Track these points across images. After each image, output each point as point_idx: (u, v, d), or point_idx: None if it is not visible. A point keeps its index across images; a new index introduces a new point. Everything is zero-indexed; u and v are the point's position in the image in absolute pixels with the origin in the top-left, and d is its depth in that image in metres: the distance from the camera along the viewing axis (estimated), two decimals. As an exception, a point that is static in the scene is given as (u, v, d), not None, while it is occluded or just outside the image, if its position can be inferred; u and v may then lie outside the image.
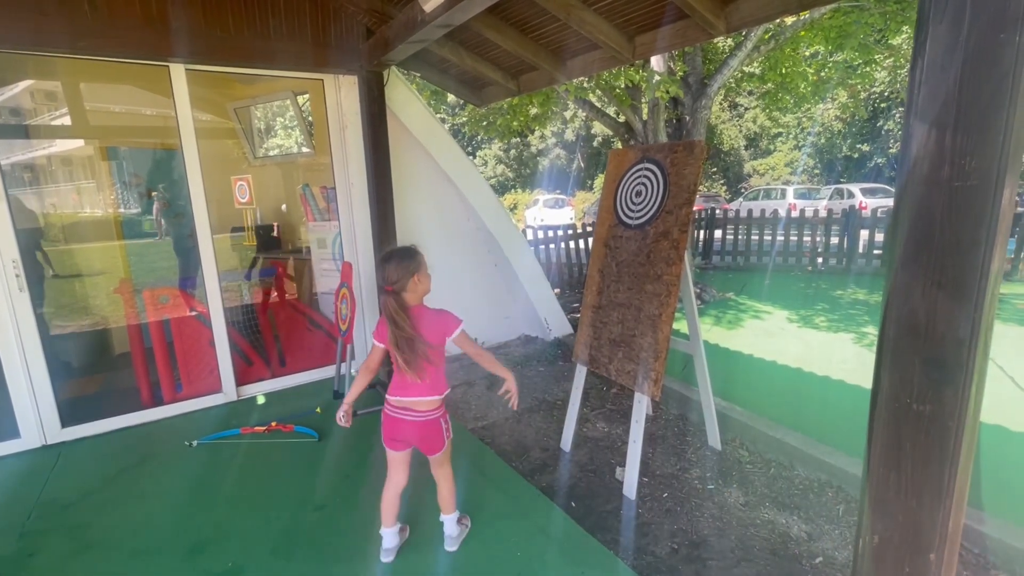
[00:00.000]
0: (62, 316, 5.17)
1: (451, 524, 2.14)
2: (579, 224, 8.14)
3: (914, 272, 1.05)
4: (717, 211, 10.05)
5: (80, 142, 6.84)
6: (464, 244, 4.47)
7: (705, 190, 21.36)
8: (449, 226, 4.38)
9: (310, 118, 5.88)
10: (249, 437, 3.08)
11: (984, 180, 0.94)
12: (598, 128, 24.00)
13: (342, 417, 2.01)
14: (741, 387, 3.88)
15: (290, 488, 2.59)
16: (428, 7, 2.58)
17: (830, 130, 21.93)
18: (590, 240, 7.73)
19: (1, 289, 2.89)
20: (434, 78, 4.35)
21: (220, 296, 3.50)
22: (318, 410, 3.42)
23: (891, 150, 20.82)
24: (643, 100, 7.34)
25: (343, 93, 3.72)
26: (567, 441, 2.93)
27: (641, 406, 2.47)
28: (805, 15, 6.13)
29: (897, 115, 19.99)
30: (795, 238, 8.93)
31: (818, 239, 8.79)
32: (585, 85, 6.96)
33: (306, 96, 5.50)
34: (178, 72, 3.15)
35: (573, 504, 2.44)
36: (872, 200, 13.05)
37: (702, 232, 9.63)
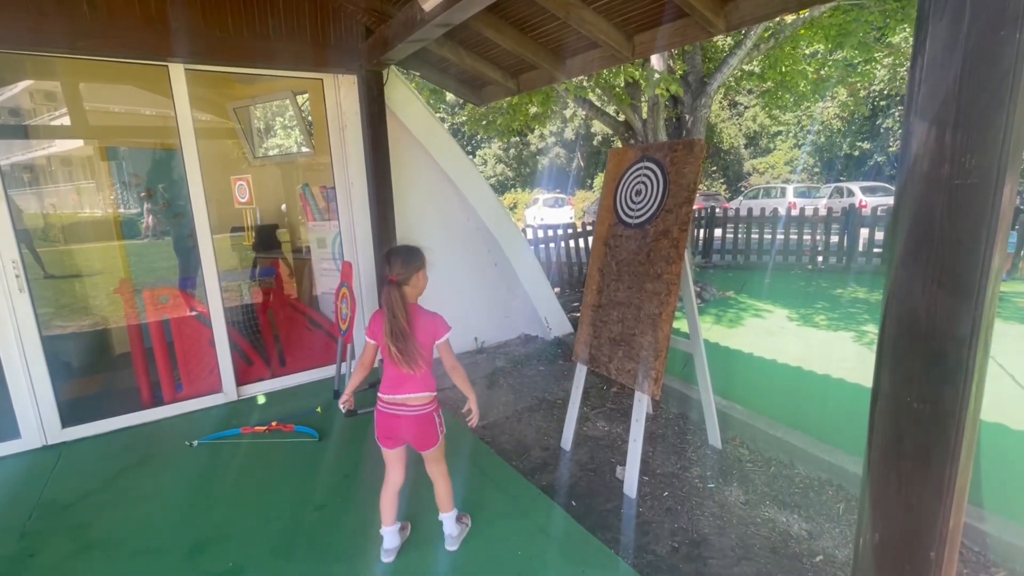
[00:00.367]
0: (59, 317, 5.17)
1: (450, 523, 2.14)
2: (579, 223, 8.14)
3: (914, 270, 1.05)
4: (717, 210, 10.05)
5: (79, 142, 6.83)
6: (464, 243, 4.47)
7: (705, 189, 21.35)
8: (449, 225, 4.38)
9: (309, 118, 5.87)
10: (249, 437, 3.08)
11: (984, 178, 0.94)
12: (598, 127, 23.99)
13: (344, 403, 2.09)
14: (741, 386, 3.88)
15: (290, 488, 2.59)
16: (427, 6, 2.58)
17: (830, 128, 21.92)
18: (590, 239, 7.73)
19: (1, 289, 2.89)
20: (434, 77, 4.35)
21: (220, 296, 3.50)
22: (318, 410, 3.43)
23: (891, 148, 20.82)
24: (643, 99, 7.34)
25: (343, 93, 3.72)
26: (567, 440, 2.93)
27: (641, 405, 2.47)
28: (805, 13, 6.12)
29: (897, 113, 19.99)
30: (795, 236, 8.93)
31: (818, 237, 8.79)
32: (585, 84, 6.96)
33: (305, 96, 5.50)
34: (177, 72, 3.15)
35: (573, 503, 2.44)
36: (872, 198, 13.05)
37: (702, 231, 9.63)
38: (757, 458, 2.77)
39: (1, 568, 2.12)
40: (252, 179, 5.46)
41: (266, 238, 5.75)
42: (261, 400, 3.64)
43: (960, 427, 1.03)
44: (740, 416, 3.03)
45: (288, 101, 5.33)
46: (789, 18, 6.35)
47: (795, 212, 9.27)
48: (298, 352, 4.37)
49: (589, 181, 26.15)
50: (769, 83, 8.00)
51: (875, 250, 8.31)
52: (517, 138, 24.98)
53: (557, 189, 23.93)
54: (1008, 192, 0.94)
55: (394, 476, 2.07)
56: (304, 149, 6.48)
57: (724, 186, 24.43)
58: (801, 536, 2.19)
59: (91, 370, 4.11)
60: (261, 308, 4.99)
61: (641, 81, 6.50)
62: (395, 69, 3.76)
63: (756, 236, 9.29)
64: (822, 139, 22.47)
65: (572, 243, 7.71)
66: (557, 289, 6.82)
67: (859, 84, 10.57)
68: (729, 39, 7.65)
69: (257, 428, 3.13)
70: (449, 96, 9.28)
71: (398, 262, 1.94)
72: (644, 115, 7.39)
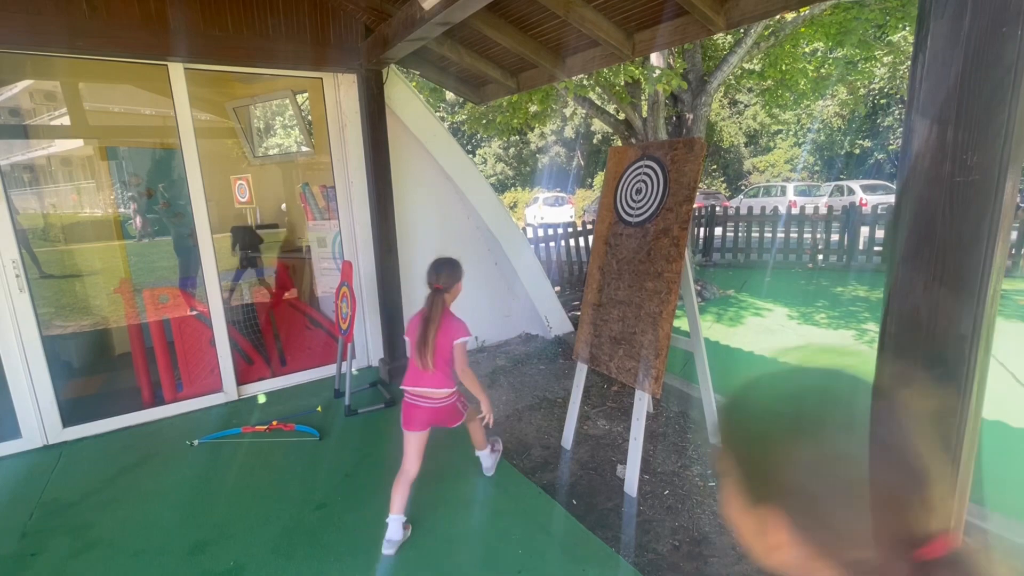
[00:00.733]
0: (59, 317, 5.17)
1: (486, 457, 2.52)
2: (579, 222, 8.14)
3: (915, 268, 1.04)
4: (717, 208, 10.04)
5: (79, 142, 6.84)
6: (464, 242, 4.47)
7: (705, 187, 21.33)
8: (449, 224, 4.38)
9: (309, 117, 5.87)
10: (250, 436, 3.08)
11: (986, 176, 0.94)
12: (598, 126, 23.97)
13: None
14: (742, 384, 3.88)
15: (291, 487, 2.60)
16: (427, 5, 2.57)
17: (830, 127, 21.90)
18: (590, 238, 7.73)
19: (1, 289, 2.89)
20: (433, 76, 4.35)
21: (220, 295, 3.50)
22: (319, 409, 3.43)
23: (891, 146, 20.80)
24: (643, 97, 7.33)
25: (342, 92, 3.72)
26: (568, 439, 2.93)
27: (642, 403, 2.47)
28: (805, 11, 6.11)
29: (896, 111, 19.97)
30: (795, 235, 8.92)
31: (818, 236, 8.78)
32: (585, 82, 6.95)
33: (305, 95, 5.50)
34: (177, 71, 3.15)
35: (574, 502, 2.44)
36: (872, 197, 13.04)
37: (702, 229, 9.62)
38: (758, 456, 2.77)
39: (2, 567, 2.12)
40: (252, 179, 5.46)
41: (243, 239, 5.60)
42: (262, 399, 3.65)
43: (961, 425, 1.03)
44: (741, 415, 3.02)
45: (288, 100, 5.33)
46: (789, 16, 6.34)
47: (795, 210, 9.27)
48: (299, 352, 4.37)
49: (589, 180, 26.14)
50: (769, 81, 7.99)
51: (875, 248, 8.30)
52: (517, 137, 24.97)
53: (557, 188, 23.92)
54: (1010, 189, 0.94)
55: (410, 465, 2.19)
56: (304, 148, 6.48)
57: (724, 184, 24.42)
58: (802, 534, 2.19)
59: (92, 370, 4.12)
60: (256, 309, 4.99)
61: (641, 80, 6.50)
62: (395, 68, 3.76)
63: (756, 234, 9.29)
64: (822, 137, 22.45)
65: (572, 242, 7.71)
66: (557, 288, 6.82)
67: (859, 82, 10.55)
68: (729, 37, 7.64)
69: (258, 427, 3.13)
70: (449, 95, 9.27)
71: (445, 272, 2.19)
72: (644, 113, 7.38)
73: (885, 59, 9.24)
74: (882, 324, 1.14)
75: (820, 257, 8.72)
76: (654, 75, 6.15)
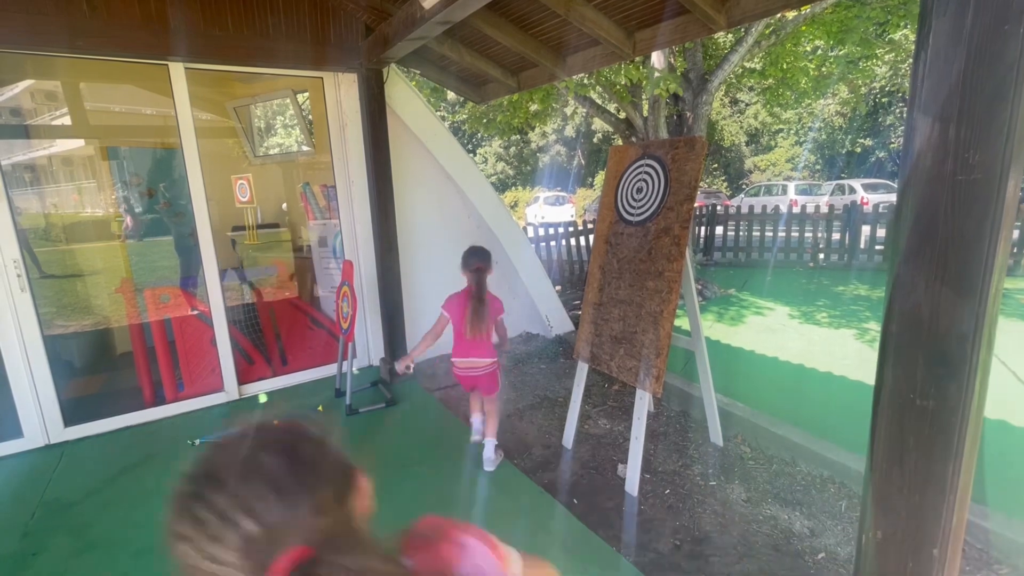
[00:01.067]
0: (61, 316, 5.18)
1: (490, 447, 2.68)
2: (580, 221, 8.13)
3: (917, 267, 1.04)
4: (718, 207, 10.03)
5: (80, 142, 6.84)
6: (465, 241, 4.42)
7: (706, 186, 21.30)
8: (450, 223, 4.38)
9: (310, 116, 5.87)
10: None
11: (988, 174, 0.94)
12: (598, 125, 23.95)
13: (405, 368, 2.63)
14: (743, 383, 3.88)
15: (292, 486, 2.59)
16: (427, 4, 2.57)
17: (831, 125, 21.86)
18: (591, 237, 7.72)
19: (3, 289, 2.89)
20: (434, 75, 4.34)
21: (221, 295, 3.50)
22: (320, 408, 3.43)
23: (892, 145, 20.76)
24: (643, 96, 7.32)
25: (343, 91, 3.71)
26: (569, 438, 2.93)
27: (643, 403, 2.47)
28: (806, 9, 6.10)
29: (898, 110, 19.93)
30: (796, 234, 8.91)
31: (820, 235, 8.77)
32: (585, 81, 6.94)
33: (306, 94, 5.49)
34: (177, 71, 3.14)
35: (575, 501, 2.44)
36: (874, 196, 13.02)
37: (703, 228, 9.62)
38: (759, 456, 2.77)
39: (4, 567, 2.12)
40: (253, 178, 5.46)
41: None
42: (263, 399, 3.65)
43: (963, 424, 1.03)
44: (742, 414, 3.03)
45: (288, 100, 5.33)
46: (790, 14, 6.33)
47: (796, 209, 9.26)
48: (300, 351, 4.38)
49: (590, 179, 26.12)
50: (770, 80, 7.97)
51: (877, 247, 8.29)
52: (518, 136, 24.95)
53: (558, 187, 23.90)
54: (1012, 188, 0.94)
55: (476, 400, 2.82)
56: (304, 148, 6.48)
57: (725, 184, 24.38)
58: (803, 534, 2.19)
59: (93, 369, 4.12)
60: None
61: (642, 80, 6.49)
62: (395, 67, 3.75)
63: (757, 234, 9.28)
64: (823, 136, 22.42)
65: (573, 241, 7.71)
66: (558, 287, 6.82)
67: (860, 81, 10.53)
68: (730, 36, 7.63)
69: (259, 427, 3.13)
70: (450, 94, 9.27)
71: (483, 256, 2.62)
72: (645, 113, 7.37)
73: (886, 57, 9.21)
74: (884, 323, 1.14)
75: (821, 256, 8.71)
76: (654, 77, 6.14)
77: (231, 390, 3.60)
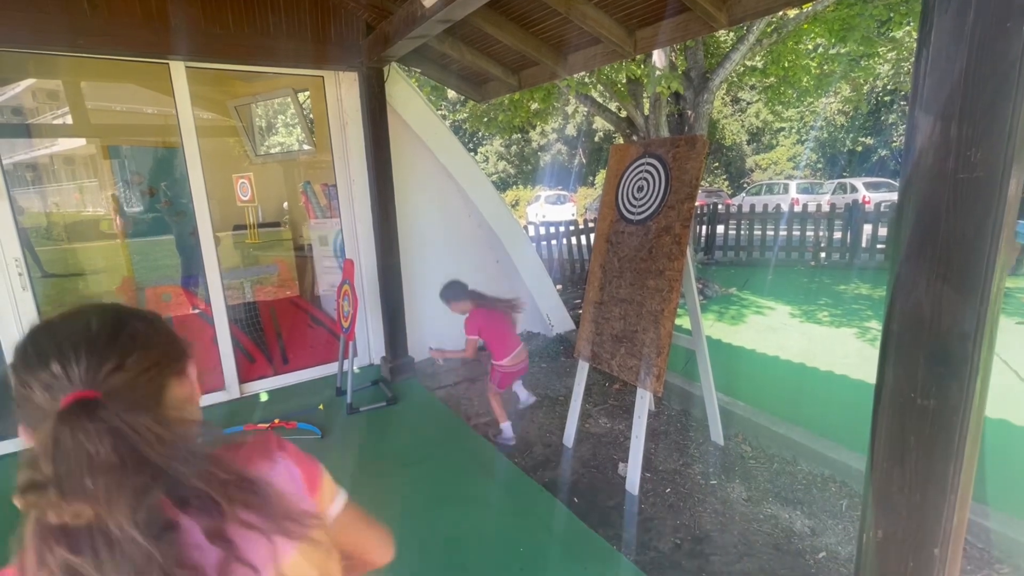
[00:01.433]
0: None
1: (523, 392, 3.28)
2: (581, 220, 8.13)
3: (919, 265, 1.04)
4: (719, 206, 10.02)
5: (82, 141, 6.86)
6: (466, 241, 4.47)
7: (707, 185, 21.28)
8: (451, 223, 4.38)
9: (311, 115, 5.87)
10: (252, 434, 3.08)
11: (990, 172, 0.93)
12: (600, 123, 23.92)
13: (439, 360, 3.15)
14: (744, 382, 3.87)
15: (293, 485, 2.60)
16: (428, 2, 2.57)
17: (833, 124, 21.82)
18: (592, 236, 7.71)
19: (4, 288, 2.90)
20: (435, 74, 4.34)
21: (222, 294, 3.50)
22: (320, 407, 3.43)
23: (894, 143, 20.72)
24: (645, 95, 7.31)
25: (343, 90, 3.71)
26: (569, 437, 2.93)
27: (643, 402, 2.47)
28: (808, 7, 6.08)
29: (899, 108, 19.88)
30: (798, 233, 8.90)
31: (821, 234, 8.76)
32: (586, 80, 6.94)
33: (306, 93, 5.49)
34: (178, 70, 3.14)
35: (576, 500, 2.44)
36: (875, 194, 12.99)
37: (704, 227, 9.61)
38: (759, 455, 2.77)
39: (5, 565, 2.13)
40: (254, 177, 5.47)
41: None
42: (264, 397, 3.65)
43: (964, 423, 1.02)
44: (742, 413, 3.02)
45: (289, 99, 5.33)
46: (792, 12, 6.31)
47: (798, 208, 9.25)
48: (300, 350, 4.38)
49: (591, 178, 26.10)
50: (772, 78, 7.96)
51: (878, 246, 8.27)
52: (519, 135, 24.94)
53: (559, 186, 23.88)
54: (1014, 186, 0.93)
55: (500, 399, 3.08)
56: (305, 147, 6.48)
57: (727, 182, 24.35)
58: (804, 533, 2.18)
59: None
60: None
61: (643, 79, 6.48)
62: (396, 66, 3.75)
63: (759, 232, 9.26)
64: (825, 135, 22.37)
65: (574, 240, 7.71)
66: (559, 286, 6.81)
67: (862, 79, 10.50)
68: (731, 34, 7.61)
69: (260, 425, 3.14)
70: (450, 93, 9.26)
71: (461, 285, 3.04)
72: (646, 111, 7.36)
73: (888, 55, 9.19)
74: (885, 322, 1.14)
75: (823, 255, 8.69)
76: (655, 76, 6.13)
77: (232, 388, 3.60)
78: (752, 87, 17.08)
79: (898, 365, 1.11)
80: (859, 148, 21.90)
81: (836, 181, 16.02)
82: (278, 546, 0.61)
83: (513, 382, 3.20)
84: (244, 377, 3.69)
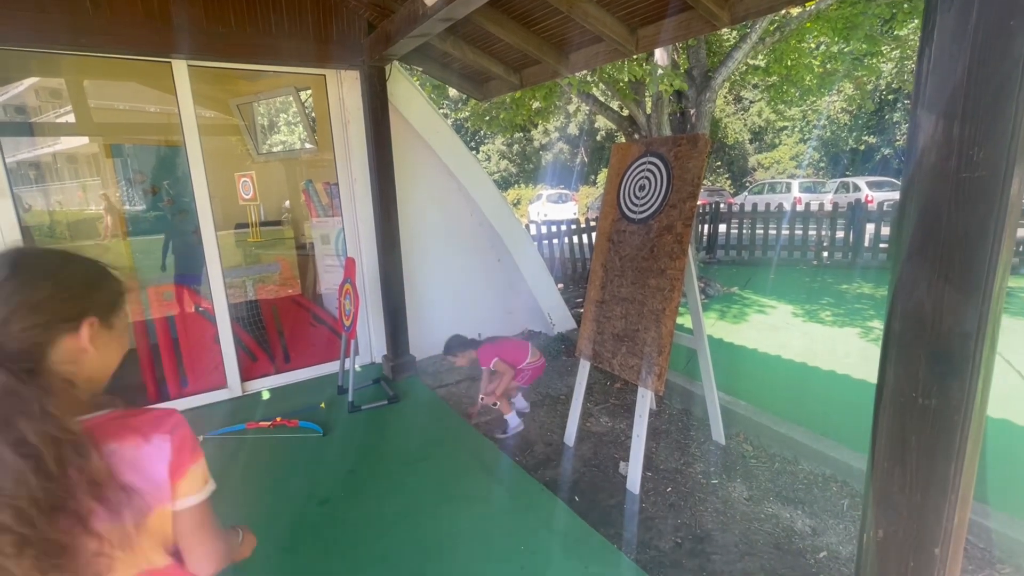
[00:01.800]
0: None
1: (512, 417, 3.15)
2: (582, 219, 8.12)
3: (920, 265, 1.03)
4: (721, 205, 10.00)
5: (84, 139, 6.87)
6: (467, 239, 4.47)
7: (709, 184, 21.24)
8: (452, 221, 4.38)
9: (312, 114, 5.88)
10: (254, 432, 3.10)
11: (992, 171, 0.93)
12: (601, 122, 23.89)
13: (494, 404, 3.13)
14: (745, 382, 3.87)
15: (295, 483, 2.61)
16: (429, 1, 2.57)
17: (836, 122, 21.75)
18: (593, 235, 7.71)
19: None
20: (436, 73, 4.33)
21: (224, 292, 3.51)
22: (322, 405, 3.44)
23: (897, 142, 20.65)
24: (647, 94, 7.30)
25: (345, 88, 3.71)
26: (570, 436, 2.93)
27: (645, 401, 2.47)
28: (811, 6, 6.06)
29: (903, 107, 19.80)
30: (800, 232, 8.88)
31: (823, 233, 8.74)
32: (588, 79, 6.92)
33: (308, 92, 5.50)
34: (180, 68, 3.15)
35: (576, 498, 2.45)
36: (878, 193, 12.95)
37: (706, 226, 9.59)
38: (761, 454, 2.77)
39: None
40: (256, 175, 5.47)
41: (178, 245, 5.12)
42: (265, 395, 3.66)
43: (966, 423, 1.02)
44: (744, 412, 3.02)
45: (291, 97, 5.33)
46: (795, 11, 6.29)
47: (800, 207, 9.22)
48: (302, 348, 4.39)
49: (593, 177, 26.07)
50: (774, 77, 7.93)
51: (881, 245, 8.25)
52: (520, 134, 24.91)
53: (561, 185, 23.87)
54: (1016, 185, 0.93)
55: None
56: (307, 145, 6.48)
57: (729, 181, 24.30)
58: (805, 532, 2.18)
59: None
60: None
61: (645, 77, 6.47)
62: (398, 64, 3.75)
63: (761, 232, 9.25)
64: (828, 134, 22.30)
65: (575, 239, 7.70)
66: (560, 285, 6.81)
67: (865, 78, 10.46)
68: (734, 32, 7.59)
69: (262, 423, 3.15)
70: (452, 91, 9.25)
71: (464, 339, 3.29)
72: (648, 110, 7.34)
73: (892, 54, 9.14)
74: (886, 321, 1.13)
75: (825, 254, 8.67)
76: (657, 74, 6.11)
77: (234, 386, 3.61)
78: (755, 86, 17.03)
79: (899, 364, 1.10)
80: (862, 147, 21.84)
81: (839, 180, 15.98)
82: (96, 510, 0.66)
83: (537, 378, 3.35)
84: (246, 375, 3.70)
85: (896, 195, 12.08)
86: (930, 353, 1.04)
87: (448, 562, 2.05)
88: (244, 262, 6.39)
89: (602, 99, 8.88)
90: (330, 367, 3.98)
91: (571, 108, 22.71)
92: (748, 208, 9.47)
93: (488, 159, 28.03)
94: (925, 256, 1.03)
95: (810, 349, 4.68)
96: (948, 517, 1.07)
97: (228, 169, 5.68)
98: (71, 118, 5.55)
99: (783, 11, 6.01)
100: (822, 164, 23.28)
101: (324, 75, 3.69)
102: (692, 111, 7.11)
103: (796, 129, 23.33)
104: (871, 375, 1.18)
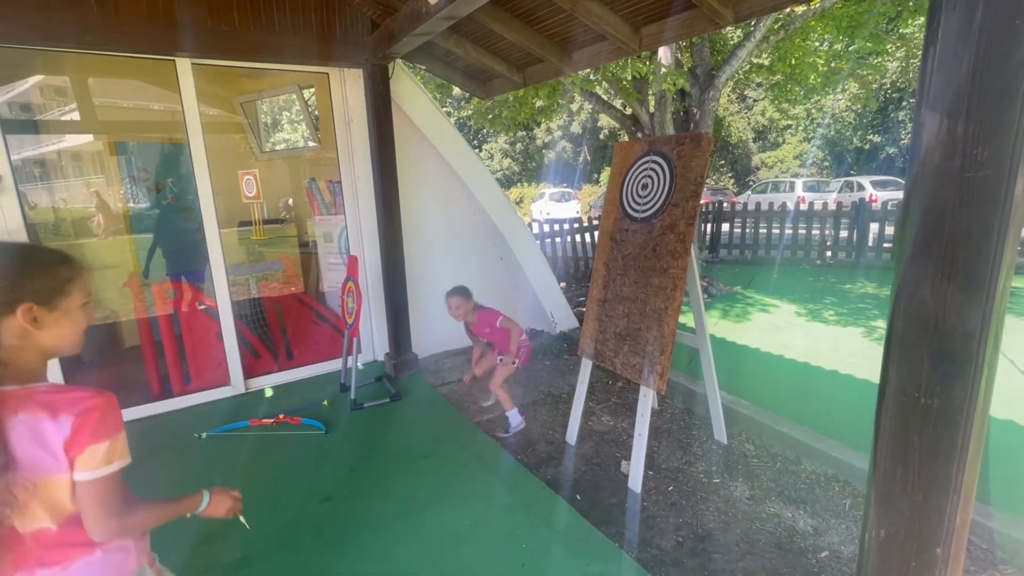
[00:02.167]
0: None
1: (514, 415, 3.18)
2: (585, 217, 8.12)
3: (924, 264, 1.03)
4: (724, 204, 9.98)
5: (89, 137, 6.89)
6: (469, 238, 4.47)
7: (712, 183, 21.19)
8: (454, 220, 4.38)
9: (316, 112, 5.88)
10: (257, 429, 3.11)
11: (997, 170, 0.93)
12: (604, 121, 23.85)
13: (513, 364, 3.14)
14: (748, 381, 3.87)
15: (297, 480, 2.62)
16: (433, -1, 2.56)
17: (840, 121, 21.65)
18: (596, 233, 7.70)
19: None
20: (439, 71, 4.33)
21: (228, 290, 3.52)
22: (325, 403, 3.45)
23: (902, 141, 20.55)
24: (650, 92, 7.28)
25: (348, 87, 3.72)
26: (572, 434, 2.94)
27: (647, 400, 2.47)
28: (816, 4, 6.03)
29: (908, 106, 19.70)
30: (804, 231, 8.85)
31: (827, 232, 8.71)
32: (591, 77, 6.91)
33: (312, 90, 5.50)
34: (184, 66, 3.16)
35: (578, 497, 2.45)
36: (882, 193, 12.90)
37: (709, 225, 9.57)
38: (763, 453, 2.77)
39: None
40: (259, 173, 5.48)
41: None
42: (268, 393, 3.67)
43: (968, 423, 1.02)
44: (746, 411, 3.02)
45: (294, 95, 5.34)
46: (799, 9, 6.26)
47: (804, 207, 9.19)
48: (305, 346, 4.40)
49: (596, 175, 26.04)
50: (779, 76, 7.90)
51: (885, 245, 8.22)
52: (523, 132, 24.88)
53: (563, 183, 23.85)
54: (1021, 185, 0.92)
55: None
56: (310, 143, 6.49)
57: (732, 180, 24.24)
58: (807, 532, 2.18)
59: (102, 363, 4.16)
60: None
61: (648, 76, 6.45)
62: (401, 63, 3.75)
63: (764, 231, 9.22)
64: (832, 132, 22.21)
65: (578, 237, 7.70)
66: (563, 283, 6.81)
67: (870, 76, 10.40)
68: (738, 31, 7.56)
69: (265, 421, 3.16)
70: (455, 90, 9.25)
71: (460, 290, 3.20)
72: (651, 109, 7.33)
73: (897, 53, 9.08)
74: (889, 320, 1.13)
75: (828, 254, 8.64)
76: (660, 72, 6.10)
77: (237, 384, 3.63)
78: (758, 84, 16.97)
79: (902, 364, 1.10)
80: (866, 146, 21.75)
81: (843, 179, 15.92)
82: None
83: (528, 357, 3.37)
84: (249, 373, 3.71)
85: (900, 194, 12.01)
86: (933, 353, 1.04)
87: (449, 560, 2.06)
88: (247, 260, 6.41)
89: (605, 97, 8.86)
90: (332, 365, 3.99)
91: (574, 107, 22.68)
92: (751, 207, 9.44)
93: (491, 157, 28.02)
94: (929, 255, 1.02)
95: (813, 349, 4.67)
96: (950, 517, 1.07)
97: (232, 167, 5.69)
98: (75, 116, 5.57)
99: (787, 9, 5.99)
100: (826, 163, 23.20)
101: (327, 73, 3.70)
102: (695, 110, 7.09)
103: (800, 128, 23.25)
104: (874, 375, 1.18)
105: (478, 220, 4.49)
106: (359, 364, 3.83)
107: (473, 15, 2.80)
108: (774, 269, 8.46)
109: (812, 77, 7.68)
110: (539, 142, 27.73)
